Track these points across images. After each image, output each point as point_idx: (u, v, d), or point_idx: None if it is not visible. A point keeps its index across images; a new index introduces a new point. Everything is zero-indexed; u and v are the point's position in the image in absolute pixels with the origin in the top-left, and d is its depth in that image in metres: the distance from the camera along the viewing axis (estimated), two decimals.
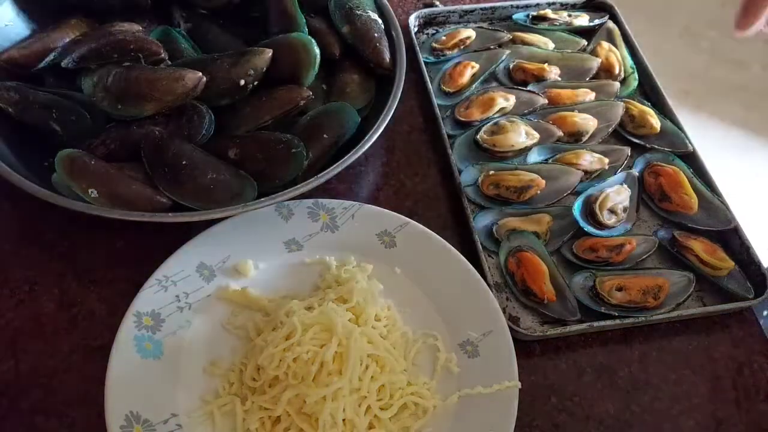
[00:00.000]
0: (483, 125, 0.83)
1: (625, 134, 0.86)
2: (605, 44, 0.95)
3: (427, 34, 0.99)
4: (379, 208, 0.73)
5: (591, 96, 0.88)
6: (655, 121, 0.85)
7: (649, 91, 0.92)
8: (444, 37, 0.96)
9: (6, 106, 0.75)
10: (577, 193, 0.78)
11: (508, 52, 0.93)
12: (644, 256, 0.75)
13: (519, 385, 0.61)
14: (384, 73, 0.82)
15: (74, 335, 0.67)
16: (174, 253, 0.68)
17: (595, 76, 0.92)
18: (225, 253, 0.70)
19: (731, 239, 0.77)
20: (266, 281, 0.70)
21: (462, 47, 0.95)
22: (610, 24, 0.98)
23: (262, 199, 0.69)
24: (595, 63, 0.92)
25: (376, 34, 0.83)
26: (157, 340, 0.63)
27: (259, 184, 0.72)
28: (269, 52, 0.76)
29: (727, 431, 0.65)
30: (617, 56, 0.93)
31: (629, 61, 0.94)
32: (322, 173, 0.70)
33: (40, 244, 0.74)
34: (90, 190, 0.67)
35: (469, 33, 0.96)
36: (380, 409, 0.60)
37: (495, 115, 0.85)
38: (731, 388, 0.68)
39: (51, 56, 0.78)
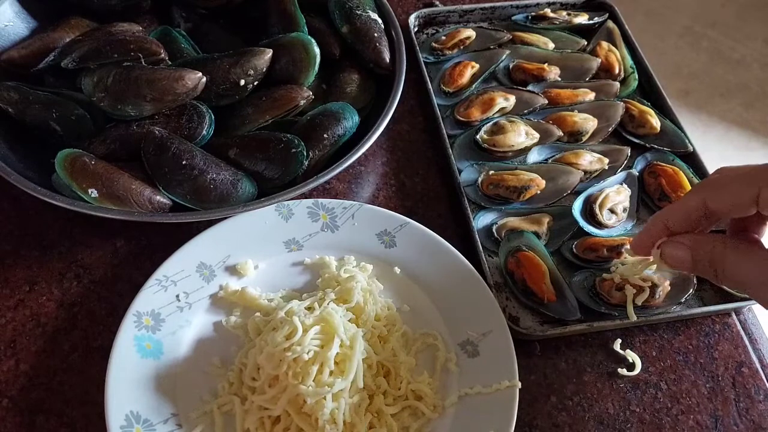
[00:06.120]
0: (483, 125, 0.83)
1: (625, 134, 0.86)
2: (605, 44, 0.95)
3: (427, 34, 0.99)
4: (379, 208, 0.73)
5: (591, 96, 0.88)
6: (655, 121, 0.85)
7: (649, 91, 0.92)
8: (444, 37, 0.96)
9: (6, 106, 0.75)
10: (577, 193, 0.78)
11: (507, 52, 0.93)
12: None
13: (519, 385, 0.61)
14: (384, 73, 0.82)
15: (74, 335, 0.67)
16: (174, 253, 0.68)
17: (595, 76, 0.92)
18: (225, 253, 0.70)
19: None
20: (266, 281, 0.70)
21: (462, 47, 0.95)
22: (610, 24, 0.98)
23: (262, 199, 0.69)
24: (595, 63, 0.92)
25: (376, 34, 0.83)
26: (157, 340, 0.63)
27: (259, 184, 0.72)
28: (269, 52, 0.76)
29: (726, 431, 0.65)
30: (617, 56, 0.93)
31: (629, 61, 0.94)
32: (322, 173, 0.70)
33: (40, 244, 0.74)
34: (90, 190, 0.67)
35: (469, 33, 0.96)
36: (385, 405, 0.60)
37: (495, 115, 0.85)
38: (731, 387, 0.68)
39: (51, 56, 0.78)
